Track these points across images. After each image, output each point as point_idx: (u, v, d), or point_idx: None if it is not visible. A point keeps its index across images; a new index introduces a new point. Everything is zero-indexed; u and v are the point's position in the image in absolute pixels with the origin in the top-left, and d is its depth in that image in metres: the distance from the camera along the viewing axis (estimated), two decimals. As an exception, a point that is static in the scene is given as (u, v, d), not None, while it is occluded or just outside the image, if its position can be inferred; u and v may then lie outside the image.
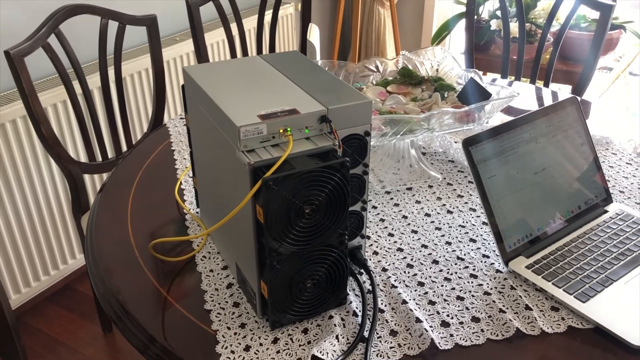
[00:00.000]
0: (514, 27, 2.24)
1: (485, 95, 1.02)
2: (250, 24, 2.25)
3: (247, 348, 0.73)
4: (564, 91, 1.78)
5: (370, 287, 0.81)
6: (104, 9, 1.44)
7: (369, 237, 0.93)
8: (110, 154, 1.80)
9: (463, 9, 2.26)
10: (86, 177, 1.81)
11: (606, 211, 0.97)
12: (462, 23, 2.16)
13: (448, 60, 1.18)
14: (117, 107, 1.60)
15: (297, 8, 2.56)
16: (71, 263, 1.85)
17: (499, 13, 2.36)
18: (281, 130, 0.70)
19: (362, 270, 0.84)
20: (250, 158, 0.67)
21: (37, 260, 1.75)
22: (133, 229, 0.97)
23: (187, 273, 0.87)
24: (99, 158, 1.56)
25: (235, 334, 0.75)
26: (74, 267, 1.87)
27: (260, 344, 0.73)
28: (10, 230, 1.66)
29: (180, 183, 1.09)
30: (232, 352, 0.72)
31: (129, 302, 0.81)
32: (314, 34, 1.48)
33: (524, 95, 1.46)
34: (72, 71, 1.44)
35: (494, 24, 2.42)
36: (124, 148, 1.62)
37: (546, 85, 1.75)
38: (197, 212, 1.00)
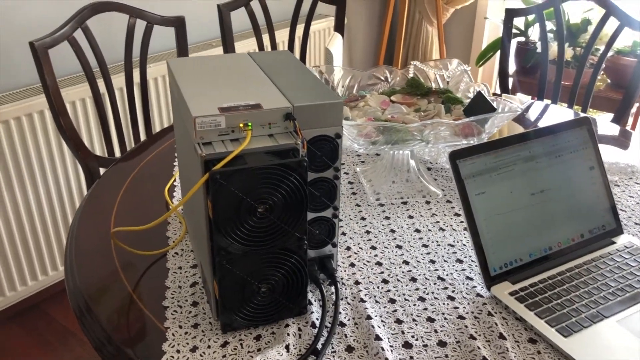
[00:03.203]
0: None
1: (489, 110, 0.96)
2: (286, 35, 2.25)
3: (193, 349, 0.70)
4: (608, 119, 1.67)
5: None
6: (132, 7, 1.47)
7: (349, 248, 0.89)
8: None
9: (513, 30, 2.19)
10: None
11: (614, 242, 0.89)
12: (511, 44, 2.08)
13: (462, 73, 1.12)
14: (139, 104, 1.62)
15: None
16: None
17: (551, 35, 2.27)
18: (241, 125, 0.67)
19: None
20: (204, 150, 0.65)
21: (55, 249, 1.79)
22: (116, 224, 0.96)
23: (158, 269, 0.85)
24: (118, 154, 1.58)
25: (186, 333, 0.72)
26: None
27: (209, 346, 0.70)
28: (31, 219, 1.70)
29: (174, 179, 1.08)
30: (178, 351, 0.70)
31: (93, 295, 0.80)
32: (336, 43, 1.46)
33: (555, 118, 1.38)
34: (97, 70, 1.47)
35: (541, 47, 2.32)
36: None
37: (584, 110, 1.65)
38: (182, 209, 0.99)
